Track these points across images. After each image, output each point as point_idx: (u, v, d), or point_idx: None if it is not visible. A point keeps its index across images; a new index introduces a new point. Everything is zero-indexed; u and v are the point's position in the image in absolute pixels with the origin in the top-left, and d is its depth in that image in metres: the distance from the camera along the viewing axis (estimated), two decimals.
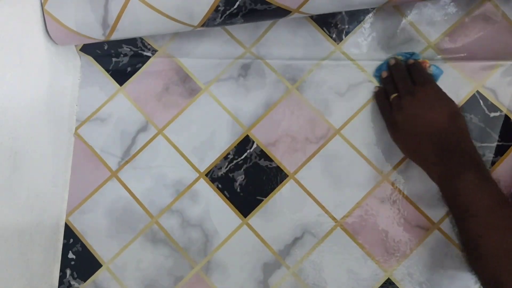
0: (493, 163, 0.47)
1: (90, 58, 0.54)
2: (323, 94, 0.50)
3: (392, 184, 0.48)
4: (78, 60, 0.54)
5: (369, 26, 0.49)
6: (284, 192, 0.49)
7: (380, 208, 0.48)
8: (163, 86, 0.52)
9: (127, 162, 0.51)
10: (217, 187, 0.50)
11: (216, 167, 0.50)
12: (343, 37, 0.50)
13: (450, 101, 0.43)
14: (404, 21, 0.48)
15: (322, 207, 0.48)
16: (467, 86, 0.48)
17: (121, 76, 0.53)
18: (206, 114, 0.51)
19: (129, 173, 0.51)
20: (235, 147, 0.50)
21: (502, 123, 0.47)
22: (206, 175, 0.50)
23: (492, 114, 0.47)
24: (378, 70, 0.49)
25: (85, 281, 0.50)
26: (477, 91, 0.48)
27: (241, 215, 0.49)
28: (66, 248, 0.51)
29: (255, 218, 0.49)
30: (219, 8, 0.42)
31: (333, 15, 0.50)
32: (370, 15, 0.49)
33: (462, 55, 0.48)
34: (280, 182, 0.49)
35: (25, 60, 0.43)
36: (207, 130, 0.51)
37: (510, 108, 0.47)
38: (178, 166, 0.51)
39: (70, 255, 0.51)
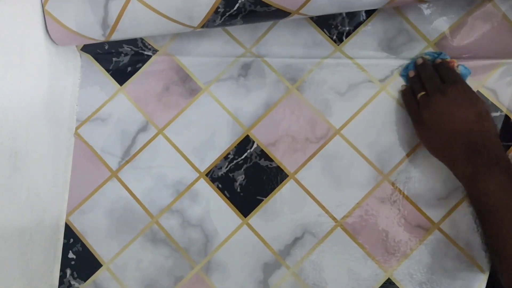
0: None
1: (91, 58, 0.54)
2: (323, 94, 0.50)
3: (393, 184, 0.48)
4: (78, 60, 0.54)
5: (370, 27, 0.49)
6: (284, 192, 0.49)
7: (380, 208, 0.48)
8: (163, 86, 0.52)
9: (127, 162, 0.51)
10: (217, 187, 0.50)
11: (216, 167, 0.50)
12: (344, 38, 0.50)
13: (480, 100, 0.42)
14: (404, 21, 0.49)
15: (322, 207, 0.48)
16: None
17: (121, 76, 0.53)
18: (206, 114, 0.51)
19: (129, 173, 0.51)
20: (235, 147, 0.50)
21: (502, 123, 0.47)
22: (206, 175, 0.50)
23: (492, 114, 0.47)
24: (405, 69, 0.49)
25: (85, 281, 0.50)
26: (477, 91, 0.48)
27: (241, 215, 0.49)
28: (66, 248, 0.51)
29: (255, 218, 0.49)
30: (219, 10, 0.42)
31: (333, 16, 0.50)
32: (371, 16, 0.49)
33: (462, 55, 0.48)
34: (280, 182, 0.49)
35: (25, 60, 0.43)
36: (207, 130, 0.51)
37: (510, 108, 0.47)
38: (178, 166, 0.51)
39: (70, 255, 0.51)
